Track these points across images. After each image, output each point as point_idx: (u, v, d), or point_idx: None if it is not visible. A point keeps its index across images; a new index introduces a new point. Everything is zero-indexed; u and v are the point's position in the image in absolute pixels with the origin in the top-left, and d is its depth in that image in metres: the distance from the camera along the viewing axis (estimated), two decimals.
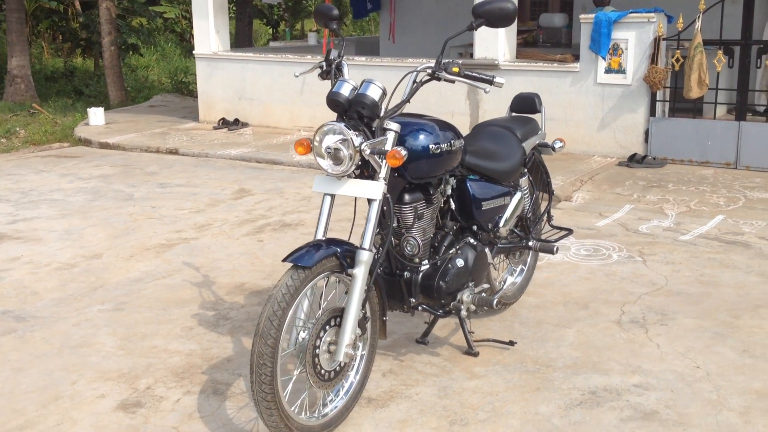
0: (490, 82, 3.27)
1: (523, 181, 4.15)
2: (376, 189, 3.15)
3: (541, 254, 5.20)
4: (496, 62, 8.41)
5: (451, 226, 3.73)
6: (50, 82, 18.67)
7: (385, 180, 3.17)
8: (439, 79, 3.28)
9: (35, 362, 3.87)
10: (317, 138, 3.15)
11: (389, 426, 3.27)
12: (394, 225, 3.50)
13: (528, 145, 4.14)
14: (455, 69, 3.23)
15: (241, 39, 15.87)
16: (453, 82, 3.28)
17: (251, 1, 18.67)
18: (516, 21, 3.22)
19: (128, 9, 19.30)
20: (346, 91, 3.21)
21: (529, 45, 11.64)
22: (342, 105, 3.20)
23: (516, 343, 3.98)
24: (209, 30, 10.42)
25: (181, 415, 3.37)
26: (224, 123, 10.29)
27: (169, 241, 5.83)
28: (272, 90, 10.06)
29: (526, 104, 4.34)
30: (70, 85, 18.00)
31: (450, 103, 8.80)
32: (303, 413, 3.14)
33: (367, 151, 3.08)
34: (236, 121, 10.27)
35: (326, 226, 3.28)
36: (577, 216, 6.31)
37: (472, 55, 8.80)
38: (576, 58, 8.13)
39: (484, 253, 3.76)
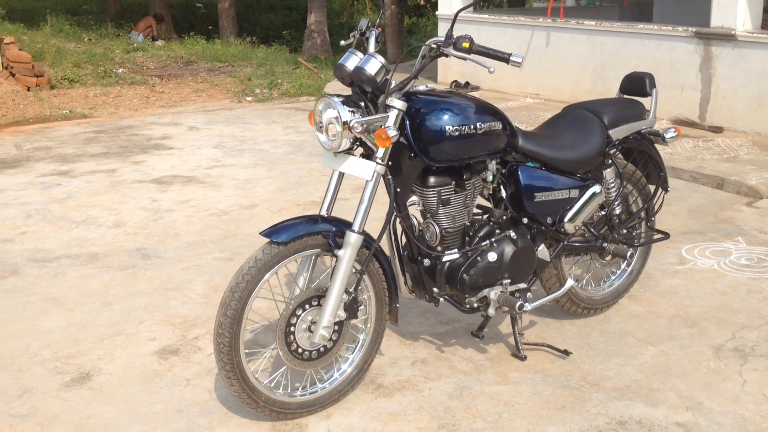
0: (507, 60, 2.95)
1: (608, 173, 3.66)
2: (367, 169, 3.00)
3: (687, 257, 4.65)
4: (733, 32, 7.39)
5: (500, 215, 3.42)
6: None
7: (381, 160, 3.00)
8: (446, 55, 3.00)
9: (126, 299, 4.25)
10: (318, 110, 3.06)
11: (377, 416, 3.15)
12: (420, 209, 3.32)
13: (618, 132, 3.64)
14: (465, 44, 2.95)
15: None
16: (464, 59, 2.99)
17: None
18: None
19: None
20: (351, 64, 3.06)
21: None
22: (345, 78, 3.07)
23: (571, 353, 3.58)
24: None
25: (202, 369, 3.52)
26: (456, 85, 10.18)
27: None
28: None
29: (635, 85, 3.81)
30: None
31: (680, 75, 7.94)
32: (280, 388, 3.11)
33: (358, 129, 2.92)
34: (467, 84, 10.10)
35: (331, 201, 3.21)
36: None
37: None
38: None
39: (530, 249, 3.40)
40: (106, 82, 12.25)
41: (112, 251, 4.95)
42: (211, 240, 5.15)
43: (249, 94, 11.45)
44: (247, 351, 3.02)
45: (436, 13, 10.79)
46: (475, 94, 10.27)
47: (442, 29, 10.58)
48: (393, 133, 2.90)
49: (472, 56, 2.98)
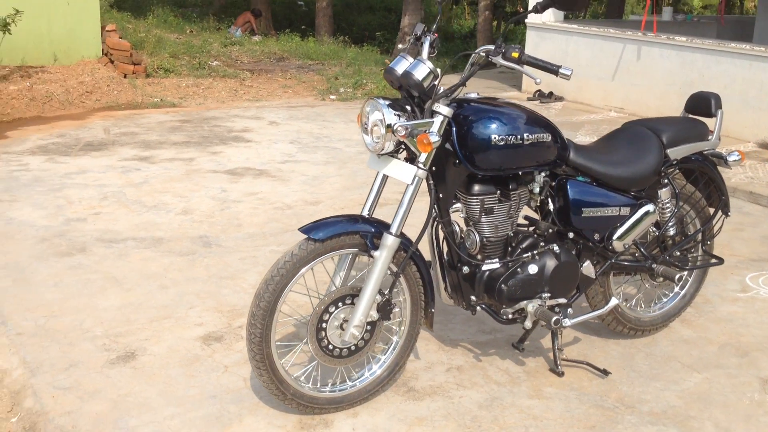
0: (555, 72, 2.90)
1: (664, 193, 3.57)
2: (408, 172, 3.02)
3: (751, 285, 4.51)
4: None
5: (545, 228, 3.38)
6: (446, 42, 19.92)
7: (423, 165, 3.01)
8: (495, 64, 2.99)
9: (182, 284, 4.38)
10: (365, 112, 3.10)
11: (403, 419, 3.16)
12: (463, 216, 3.31)
13: (677, 152, 3.55)
14: (514, 54, 2.92)
15: (612, 9, 15.25)
16: (512, 69, 2.96)
17: None
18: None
19: None
20: (401, 68, 3.08)
21: None
22: (394, 82, 3.09)
23: (610, 373, 3.51)
24: None
25: (242, 357, 3.60)
26: (540, 95, 10.12)
27: (385, 200, 6.03)
28: (591, 65, 9.63)
29: (700, 105, 3.70)
30: (463, 47, 18.92)
31: None
32: (309, 383, 3.16)
33: (402, 132, 2.94)
34: (550, 94, 10.04)
35: (373, 202, 3.25)
36: None
37: None
38: None
39: (573, 264, 3.35)
40: (199, 73, 12.58)
41: (177, 237, 5.11)
42: (271, 233, 5.26)
43: (333, 92, 11.60)
44: (280, 343, 3.09)
45: (526, 21, 10.70)
46: (558, 104, 10.25)
47: (531, 37, 10.50)
48: (435, 138, 2.91)
49: (519, 67, 2.95)
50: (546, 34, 10.23)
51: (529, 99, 10.18)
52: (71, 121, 8.75)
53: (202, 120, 9.07)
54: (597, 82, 9.60)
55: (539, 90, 10.22)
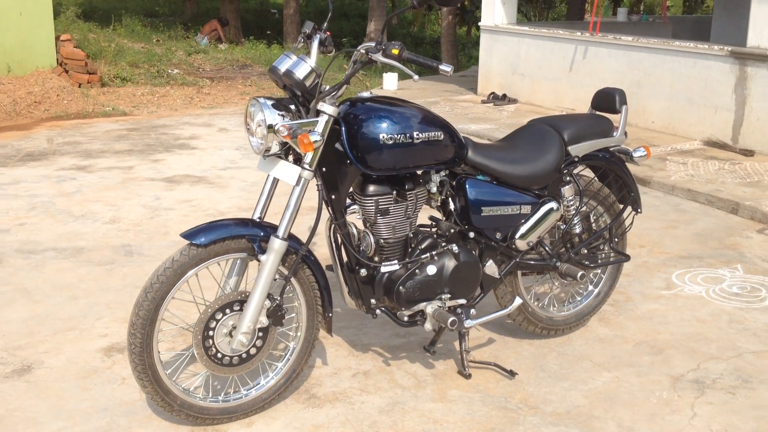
0: (436, 69, 2.83)
1: (567, 190, 3.51)
2: (292, 173, 2.95)
3: (676, 282, 4.46)
4: None
5: (447, 228, 3.31)
6: (416, 48, 19.87)
7: (308, 165, 2.94)
8: (375, 61, 2.92)
9: (94, 294, 4.27)
10: (249, 113, 3.02)
11: (299, 427, 3.07)
12: (359, 218, 3.24)
13: (579, 148, 3.49)
14: (395, 51, 2.86)
15: (573, 11, 15.25)
16: (394, 66, 2.90)
17: None
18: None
19: None
20: (283, 67, 3.00)
21: None
22: (278, 81, 3.02)
23: (517, 374, 3.44)
24: (495, 1, 10.21)
25: None
26: (494, 97, 10.07)
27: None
28: (541, 67, 9.60)
29: (604, 102, 3.65)
30: (432, 52, 18.91)
31: (715, 95, 7.64)
32: (199, 393, 3.07)
33: (284, 132, 2.86)
34: (504, 96, 10.00)
35: (264, 205, 3.17)
36: None
37: None
38: None
39: (473, 264, 3.28)
40: (156, 82, 12.46)
41: (98, 246, 5.00)
42: None
43: None
44: (171, 353, 2.99)
45: (479, 24, 10.66)
46: (512, 106, 10.18)
47: (484, 40, 10.44)
48: (315, 138, 2.84)
49: (398, 64, 2.88)
50: (499, 36, 10.19)
51: (483, 102, 10.12)
52: (16, 132, 8.62)
53: (151, 128, 8.96)
54: (548, 83, 9.58)
55: (493, 93, 10.17)
